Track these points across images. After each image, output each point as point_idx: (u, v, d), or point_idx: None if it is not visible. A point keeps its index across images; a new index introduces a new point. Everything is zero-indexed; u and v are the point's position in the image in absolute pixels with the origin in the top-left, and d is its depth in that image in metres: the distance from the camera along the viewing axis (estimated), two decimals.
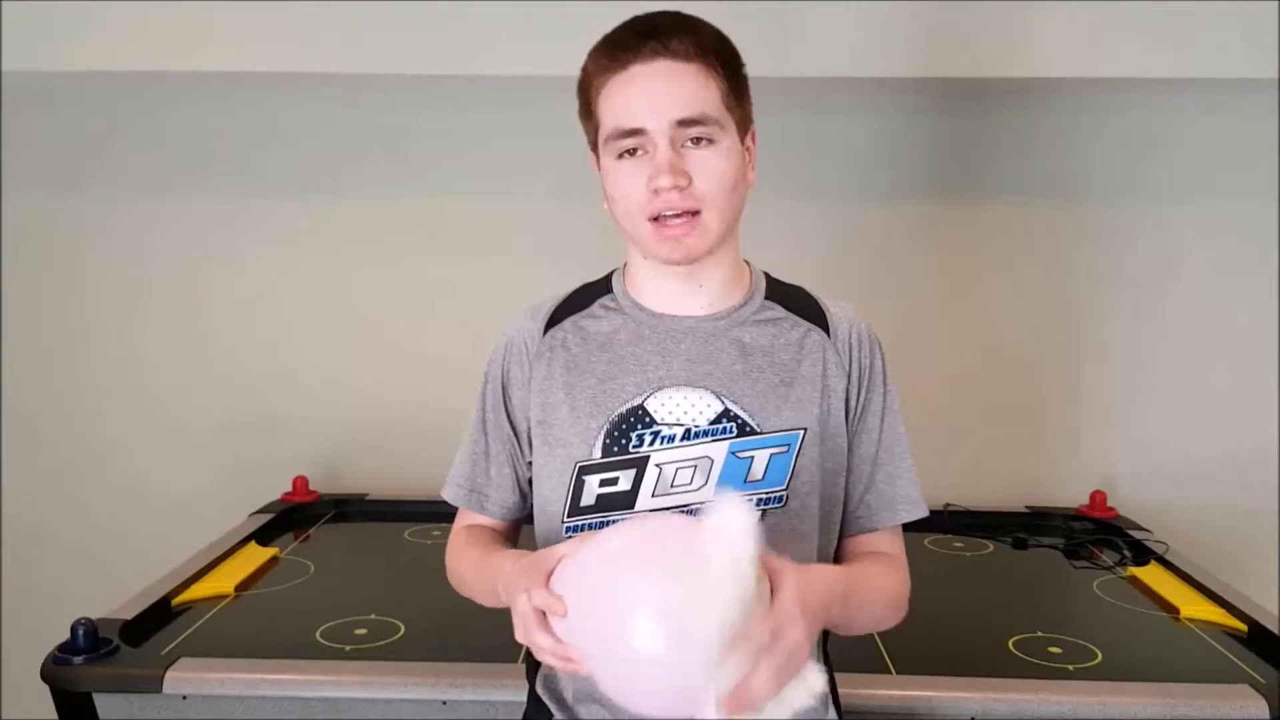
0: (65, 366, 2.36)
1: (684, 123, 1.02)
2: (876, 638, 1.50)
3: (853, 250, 2.27)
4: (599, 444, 1.08)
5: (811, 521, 1.10)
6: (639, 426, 1.07)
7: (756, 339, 1.11)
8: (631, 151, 1.04)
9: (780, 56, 1.92)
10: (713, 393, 1.08)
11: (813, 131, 2.20)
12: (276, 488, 2.24)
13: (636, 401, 1.08)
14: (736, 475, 1.07)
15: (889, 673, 1.43)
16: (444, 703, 1.36)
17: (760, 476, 1.07)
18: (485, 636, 1.43)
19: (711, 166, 1.04)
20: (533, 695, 1.16)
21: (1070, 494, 2.26)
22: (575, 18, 1.90)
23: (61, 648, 1.40)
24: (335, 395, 2.34)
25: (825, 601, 0.94)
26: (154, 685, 1.35)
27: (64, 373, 2.37)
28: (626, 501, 1.07)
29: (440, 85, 2.09)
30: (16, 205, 2.32)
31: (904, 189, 2.26)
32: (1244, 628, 1.61)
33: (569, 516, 1.09)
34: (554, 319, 1.15)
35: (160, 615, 1.60)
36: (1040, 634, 1.59)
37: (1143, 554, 1.96)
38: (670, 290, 1.12)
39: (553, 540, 1.10)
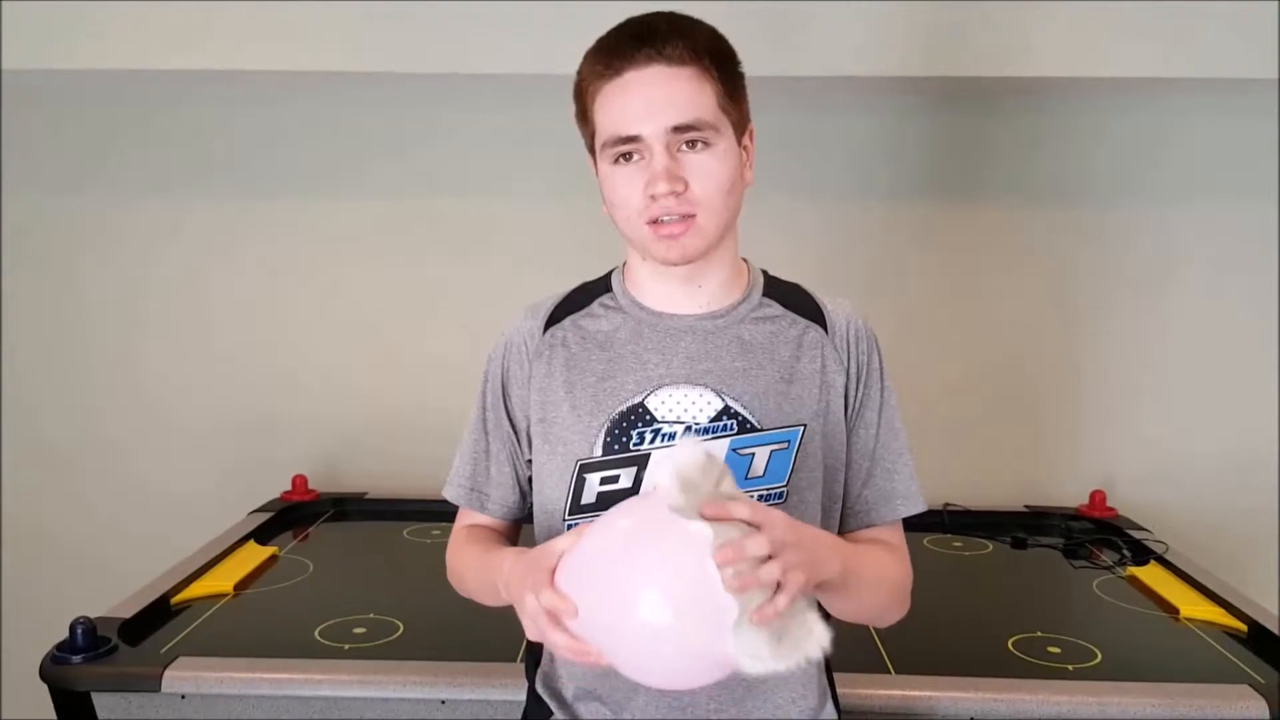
0: (65, 366, 2.36)
1: (679, 129, 1.02)
2: (876, 638, 1.50)
3: (852, 250, 2.26)
4: (600, 442, 1.08)
5: (812, 517, 1.10)
6: (639, 424, 1.08)
7: (756, 336, 1.12)
8: (628, 157, 1.04)
9: (780, 56, 1.92)
10: (713, 390, 1.08)
11: (812, 131, 2.20)
12: (275, 487, 2.24)
13: (637, 399, 1.09)
14: (737, 472, 1.07)
15: (888, 672, 1.43)
16: (442, 702, 1.36)
17: (761, 473, 1.07)
18: (484, 636, 1.44)
19: (707, 170, 1.04)
20: (532, 693, 1.16)
21: (1070, 493, 2.26)
22: (574, 16, 1.90)
23: (60, 647, 1.40)
24: (334, 394, 2.34)
25: (818, 538, 0.95)
26: (153, 684, 1.35)
27: (64, 372, 2.37)
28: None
29: (440, 84, 2.09)
30: (17, 204, 2.32)
31: (904, 189, 2.25)
32: (1244, 628, 1.61)
33: (570, 515, 1.09)
34: (553, 318, 1.16)
35: (159, 614, 1.60)
36: (1040, 634, 1.59)
37: (1142, 554, 1.96)
38: (670, 290, 1.12)
39: (551, 537, 1.10)
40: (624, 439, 1.08)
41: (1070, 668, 1.47)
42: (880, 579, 1.08)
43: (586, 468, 1.08)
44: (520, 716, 1.19)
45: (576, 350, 1.13)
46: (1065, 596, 1.84)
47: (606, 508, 1.05)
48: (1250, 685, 1.36)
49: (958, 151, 2.25)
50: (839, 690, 1.20)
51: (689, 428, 1.07)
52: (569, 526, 1.09)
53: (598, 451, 1.08)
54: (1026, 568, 1.98)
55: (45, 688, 1.39)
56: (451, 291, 2.31)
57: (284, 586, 1.77)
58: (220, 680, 1.36)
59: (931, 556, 1.98)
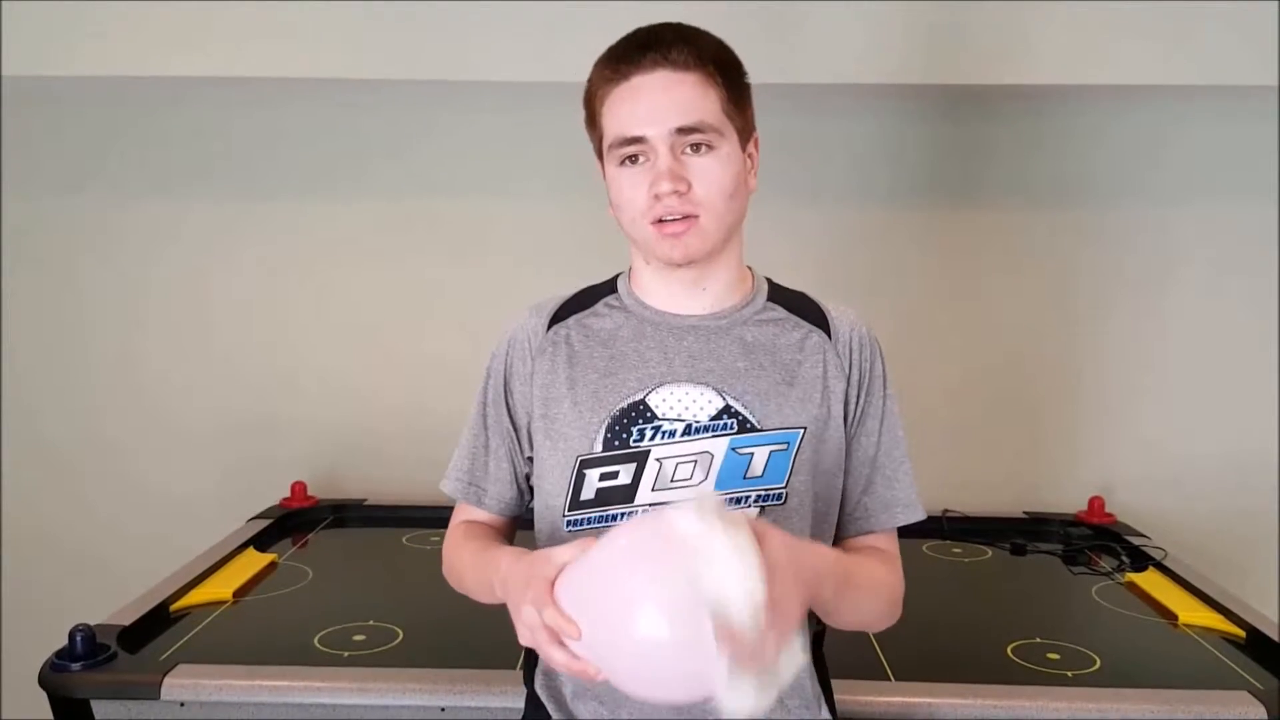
0: (65, 369, 2.36)
1: (683, 130, 1.05)
2: (875, 643, 1.50)
3: (853, 253, 2.27)
4: (600, 438, 1.09)
5: (808, 519, 1.11)
6: (640, 421, 1.09)
7: (758, 338, 1.13)
8: (634, 159, 1.07)
9: (781, 62, 1.93)
10: (714, 389, 1.10)
11: (813, 135, 2.20)
12: (275, 488, 2.24)
13: (638, 396, 1.10)
14: (736, 471, 1.08)
15: (887, 679, 1.43)
16: (442, 709, 1.36)
17: (760, 473, 1.08)
18: (484, 643, 1.44)
19: (710, 173, 1.06)
20: (531, 696, 1.17)
21: (1069, 499, 2.26)
22: (571, 22, 1.92)
23: (59, 654, 1.39)
24: (334, 397, 2.34)
25: (815, 566, 0.95)
26: (152, 692, 1.35)
27: (64, 376, 2.37)
28: (626, 495, 1.08)
29: (439, 89, 2.09)
30: (17, 207, 2.32)
31: (904, 192, 2.26)
32: (1243, 634, 1.61)
33: (569, 510, 1.11)
34: (558, 316, 1.18)
35: (158, 621, 1.60)
36: (1039, 640, 1.59)
37: (1141, 560, 1.96)
38: (674, 291, 1.14)
39: (553, 533, 1.12)
40: (624, 435, 1.09)
41: (1069, 674, 1.47)
42: (875, 590, 1.10)
43: (586, 463, 1.10)
44: None
45: (579, 347, 1.14)
46: (1064, 602, 1.84)
47: (606, 504, 1.07)
48: (1249, 692, 1.36)
49: (957, 154, 2.25)
50: (839, 696, 1.20)
51: (718, 417, 1.07)
52: (568, 522, 1.11)
53: (598, 447, 1.09)
54: (1025, 574, 1.98)
55: (44, 693, 1.38)
56: (450, 293, 2.31)
57: (283, 593, 1.77)
58: (219, 688, 1.36)
59: (930, 562, 1.98)
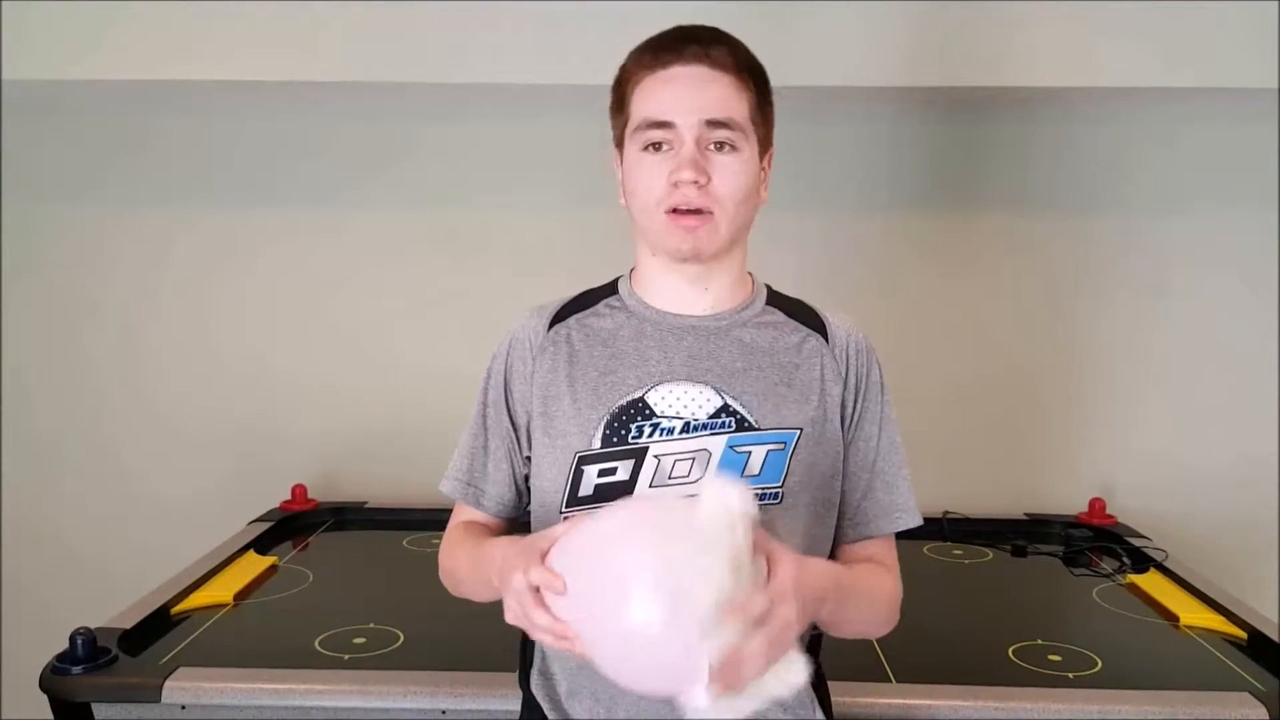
0: (66, 373, 2.37)
1: (712, 124, 1.07)
2: (875, 645, 1.50)
3: (850, 259, 2.27)
4: (599, 435, 1.10)
5: (804, 521, 1.12)
6: (639, 418, 1.10)
7: (757, 339, 1.15)
8: (657, 146, 1.08)
9: (778, 66, 1.92)
10: (713, 388, 1.11)
11: (810, 140, 2.20)
12: (275, 496, 2.24)
13: (637, 394, 1.11)
14: (734, 469, 1.09)
15: (888, 681, 1.42)
16: (443, 712, 1.36)
17: (757, 472, 1.09)
18: (485, 646, 1.43)
19: (730, 172, 1.08)
20: (527, 699, 1.17)
21: (1069, 501, 2.26)
22: (576, 26, 1.92)
23: (60, 657, 1.39)
24: (335, 403, 2.34)
25: (819, 591, 0.96)
26: (153, 695, 1.35)
27: (65, 380, 2.37)
28: (624, 492, 1.09)
29: (443, 94, 2.10)
30: (19, 213, 2.32)
31: (902, 198, 2.26)
32: (1244, 635, 1.61)
33: (567, 506, 1.11)
34: (559, 316, 1.19)
35: (159, 624, 1.60)
36: (1040, 642, 1.59)
37: (1142, 561, 1.96)
38: (677, 289, 1.15)
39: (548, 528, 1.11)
40: (623, 432, 1.10)
41: (1071, 675, 1.47)
42: (874, 600, 1.11)
43: (585, 460, 1.10)
44: None
45: (580, 346, 1.15)
46: (1065, 604, 1.84)
47: (604, 500, 1.07)
48: (1250, 693, 1.36)
49: (955, 161, 2.25)
50: (840, 698, 1.20)
51: (715, 415, 1.08)
52: (565, 519, 1.10)
53: (597, 444, 1.10)
54: (1026, 576, 1.98)
55: (44, 696, 1.38)
56: (451, 300, 2.31)
57: (284, 596, 1.77)
58: (220, 691, 1.36)
59: (931, 564, 1.98)
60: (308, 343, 2.35)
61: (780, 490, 1.09)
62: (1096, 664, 1.51)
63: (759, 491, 1.08)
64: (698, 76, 1.07)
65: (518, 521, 1.24)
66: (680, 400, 1.11)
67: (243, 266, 2.33)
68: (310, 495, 2.25)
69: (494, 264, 2.30)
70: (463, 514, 1.23)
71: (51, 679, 1.38)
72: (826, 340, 1.16)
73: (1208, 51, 1.93)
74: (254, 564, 1.87)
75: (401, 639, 1.57)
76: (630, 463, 1.09)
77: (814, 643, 1.15)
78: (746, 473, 1.09)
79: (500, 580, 0.99)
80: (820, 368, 1.14)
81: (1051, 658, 1.53)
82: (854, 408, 1.15)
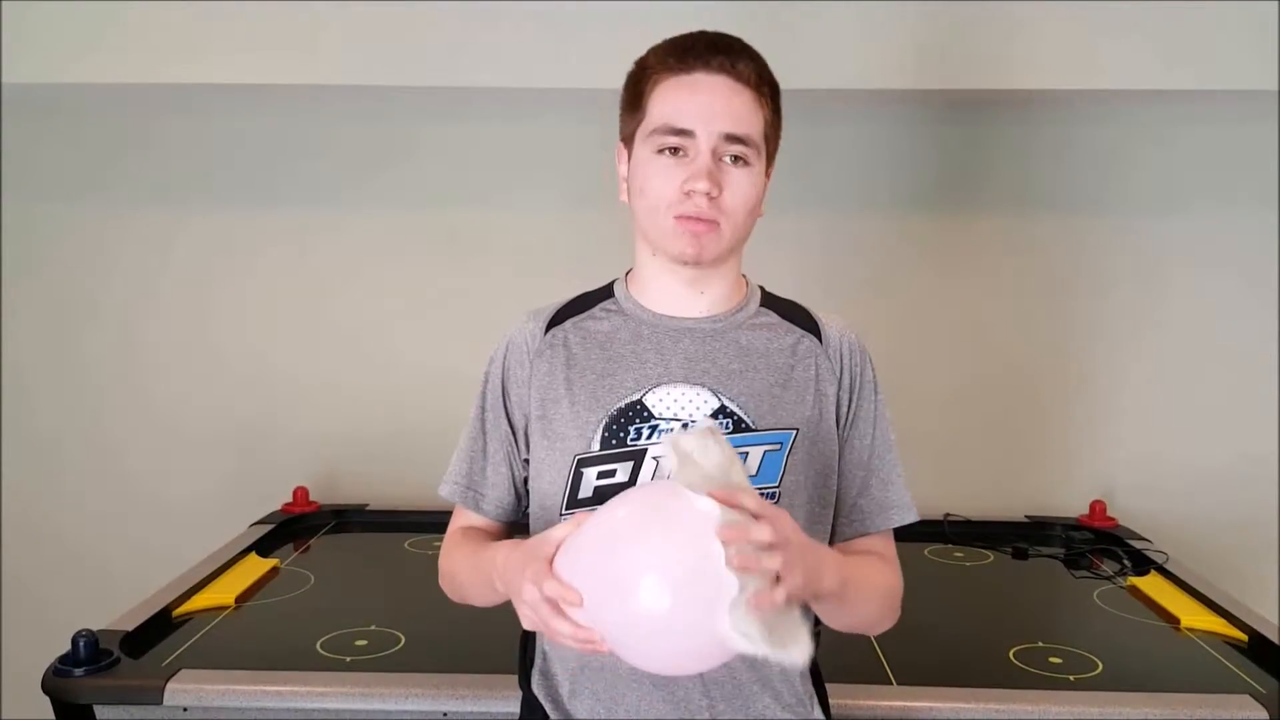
0: (67, 375, 2.37)
1: (730, 138, 1.08)
2: (876, 647, 1.50)
3: (849, 259, 2.27)
4: (597, 437, 1.11)
5: (801, 520, 1.12)
6: (637, 420, 1.11)
7: (753, 341, 1.16)
8: (674, 150, 1.09)
9: (779, 68, 1.92)
10: (710, 390, 1.12)
11: (810, 140, 2.20)
12: (277, 498, 2.25)
13: (635, 396, 1.12)
14: None
15: (889, 683, 1.43)
16: (444, 714, 1.36)
17: (754, 472, 1.10)
18: (486, 647, 1.43)
19: (741, 186, 1.09)
20: (528, 699, 1.17)
21: (1070, 503, 2.26)
22: (577, 28, 1.92)
23: (62, 659, 1.40)
24: (336, 405, 2.35)
25: (818, 554, 0.97)
26: (154, 697, 1.35)
27: (66, 381, 2.37)
28: None
29: (443, 96, 2.10)
30: (19, 213, 2.32)
31: (902, 198, 2.26)
32: (1244, 637, 1.61)
33: (567, 509, 1.12)
34: (555, 320, 1.19)
35: (161, 626, 1.60)
36: (1041, 644, 1.59)
37: (1143, 563, 1.96)
38: (673, 291, 1.16)
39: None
40: (621, 434, 1.11)
41: (1071, 678, 1.47)
42: (876, 591, 1.12)
43: (584, 462, 1.11)
44: None
45: (577, 349, 1.16)
46: (1066, 606, 1.85)
47: (603, 502, 1.07)
48: (1251, 695, 1.36)
49: (955, 162, 2.25)
50: (841, 700, 1.20)
51: (713, 417, 1.10)
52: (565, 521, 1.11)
53: (595, 446, 1.11)
54: (1027, 578, 1.98)
55: (47, 698, 1.38)
56: (452, 302, 2.31)
57: (285, 598, 1.77)
58: (222, 693, 1.36)
59: (933, 567, 1.98)
60: (308, 343, 2.35)
61: (778, 490, 1.10)
62: (1097, 666, 1.51)
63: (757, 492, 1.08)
64: (721, 88, 1.08)
65: (517, 524, 1.24)
66: (678, 402, 1.11)
67: (243, 266, 2.33)
68: (312, 497, 2.25)
69: (494, 264, 2.30)
70: (462, 517, 1.23)
71: (54, 681, 1.38)
72: (820, 341, 1.17)
73: (1207, 53, 1.94)
74: (256, 566, 1.88)
75: (403, 641, 1.57)
76: (629, 464, 1.10)
77: (813, 641, 1.16)
78: None
79: (506, 586, 1.00)
80: (815, 368, 1.15)
81: (1052, 660, 1.53)
82: (849, 407, 1.16)
